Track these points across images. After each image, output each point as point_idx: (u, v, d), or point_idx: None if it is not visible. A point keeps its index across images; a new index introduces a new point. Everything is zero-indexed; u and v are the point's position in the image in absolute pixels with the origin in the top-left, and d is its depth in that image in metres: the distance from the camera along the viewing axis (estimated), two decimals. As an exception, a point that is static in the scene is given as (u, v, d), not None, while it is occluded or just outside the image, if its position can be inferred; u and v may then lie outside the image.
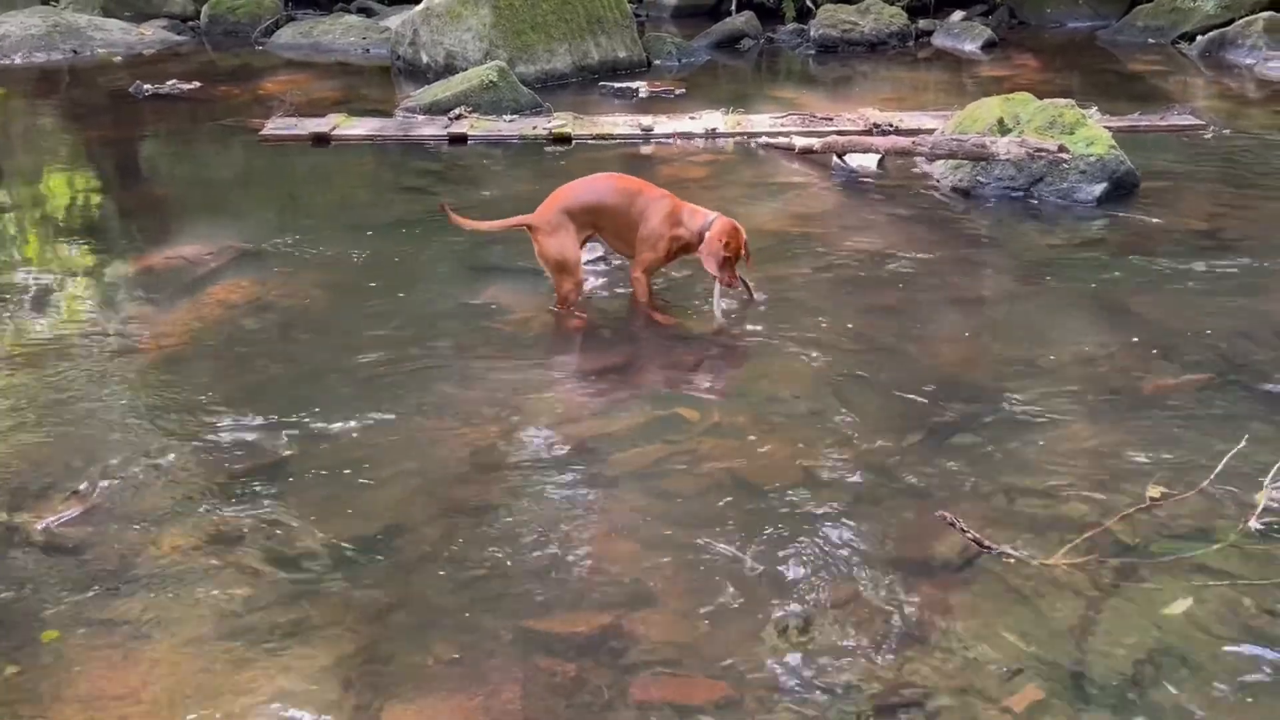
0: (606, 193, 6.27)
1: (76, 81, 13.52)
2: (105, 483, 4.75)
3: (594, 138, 10.21)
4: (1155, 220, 7.80)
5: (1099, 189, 8.16)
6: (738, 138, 10.15)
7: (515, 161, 9.80)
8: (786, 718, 3.51)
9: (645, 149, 9.98)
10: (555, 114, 10.85)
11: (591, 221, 6.23)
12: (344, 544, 4.35)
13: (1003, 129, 8.52)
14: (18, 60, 14.08)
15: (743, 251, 6.13)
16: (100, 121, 11.53)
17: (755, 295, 6.41)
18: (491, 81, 11.09)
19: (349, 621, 3.93)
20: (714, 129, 10.25)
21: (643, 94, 11.98)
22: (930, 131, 9.34)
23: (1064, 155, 7.92)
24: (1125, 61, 13.92)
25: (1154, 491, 4.50)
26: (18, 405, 5.42)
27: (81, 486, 4.72)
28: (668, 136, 10.19)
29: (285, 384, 5.56)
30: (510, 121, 10.65)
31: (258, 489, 4.71)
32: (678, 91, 12.05)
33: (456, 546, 4.33)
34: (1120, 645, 3.76)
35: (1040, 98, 8.92)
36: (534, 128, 10.39)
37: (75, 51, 14.49)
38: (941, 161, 8.72)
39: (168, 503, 4.61)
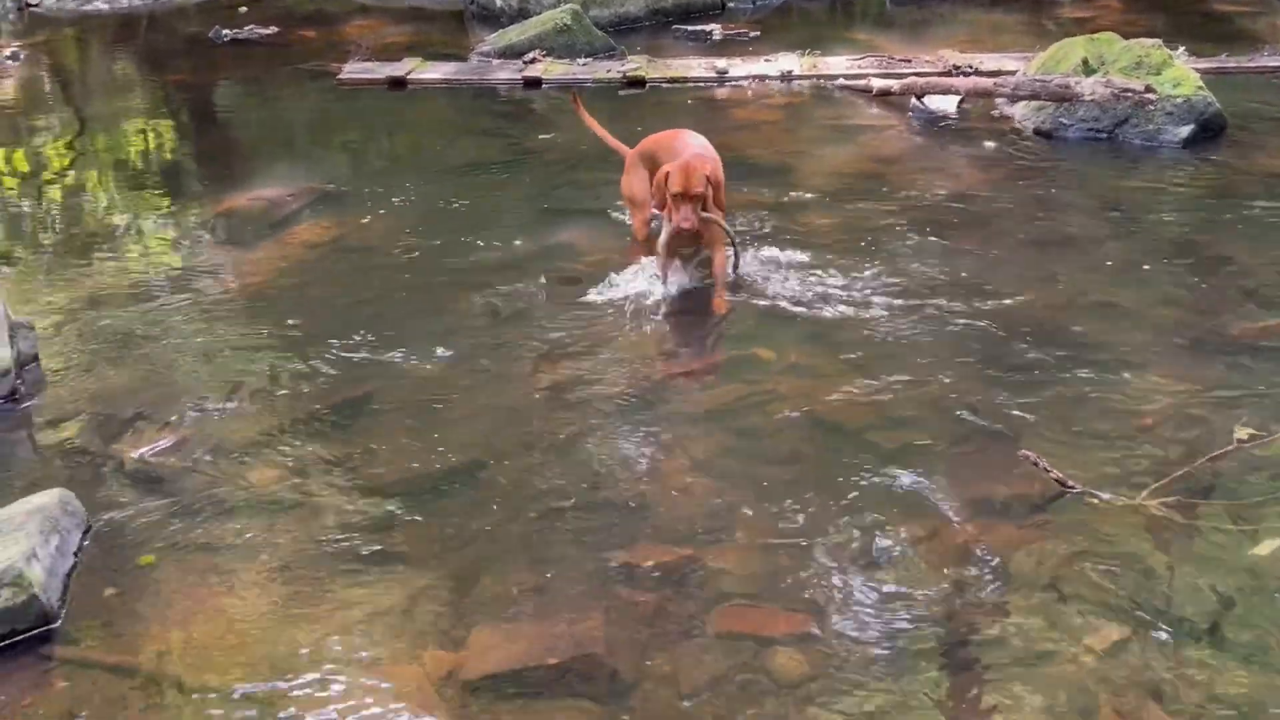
0: (664, 142, 6.22)
1: (156, 27, 13.67)
2: (195, 415, 4.87)
3: (668, 81, 10.13)
4: (1243, 163, 7.61)
5: (1185, 131, 7.97)
6: (814, 80, 10.04)
7: (588, 105, 9.70)
8: (866, 651, 3.53)
9: (720, 92, 9.89)
10: (629, 57, 10.78)
11: (651, 167, 6.21)
12: (427, 475, 4.43)
13: (1087, 69, 8.34)
14: (100, 6, 14.25)
15: (693, 189, 5.58)
16: (180, 66, 11.66)
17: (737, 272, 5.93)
18: (566, 25, 11.04)
19: (434, 550, 4.01)
20: (789, 71, 10.12)
21: (717, 37, 11.86)
22: (1011, 73, 9.17)
23: (1150, 96, 7.75)
24: (1213, 1, 13.52)
25: (1242, 433, 4.44)
26: (111, 342, 5.55)
27: (173, 418, 4.84)
28: (743, 79, 10.09)
29: (367, 321, 5.63)
30: (584, 65, 10.60)
31: (343, 422, 4.80)
32: (753, 34, 11.91)
33: (537, 479, 4.39)
34: (1205, 585, 3.73)
35: (1125, 38, 8.71)
36: (608, 71, 10.34)
37: (155, -3, 14.62)
38: (1023, 103, 8.56)
39: (256, 434, 4.72)
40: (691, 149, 5.94)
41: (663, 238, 5.77)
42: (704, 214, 5.70)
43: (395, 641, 3.62)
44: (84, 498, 4.21)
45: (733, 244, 5.91)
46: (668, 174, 5.65)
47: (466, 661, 3.52)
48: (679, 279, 5.89)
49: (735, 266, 5.95)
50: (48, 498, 4.03)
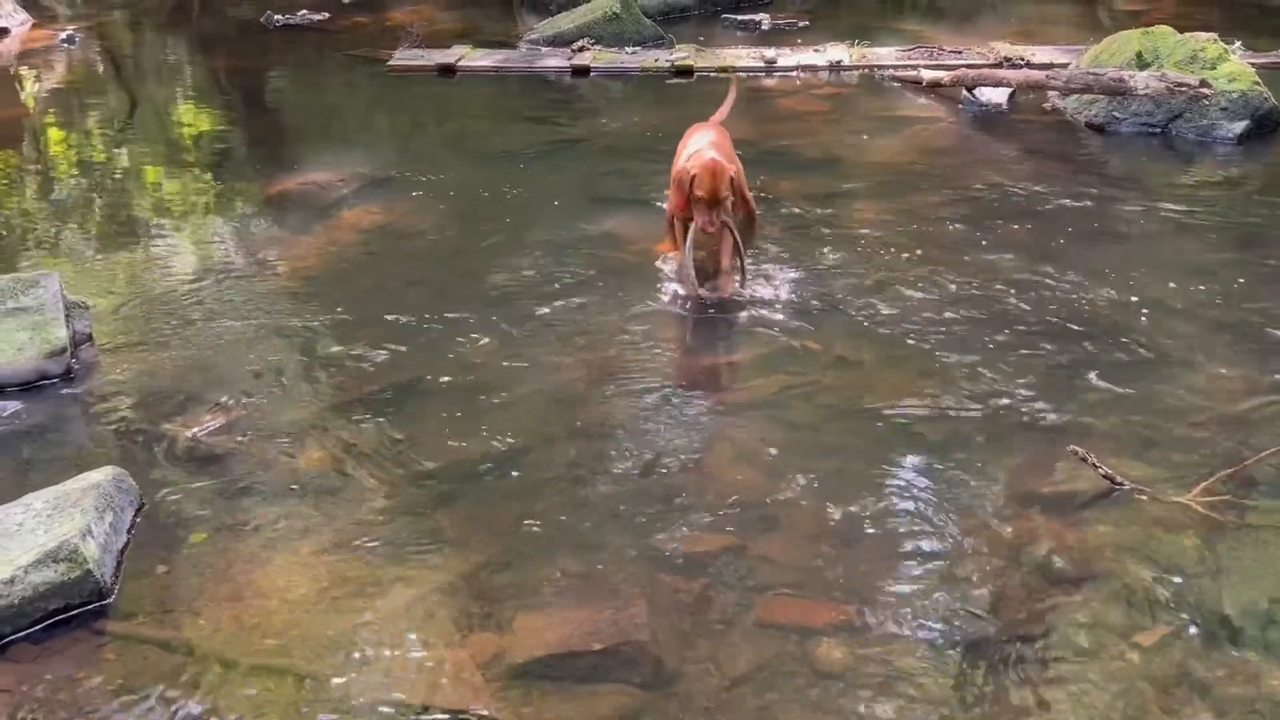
0: (684, 139, 6.19)
1: (208, 11, 13.82)
2: (246, 396, 4.93)
3: (716, 70, 10.12)
4: (1299, 159, 7.53)
5: (1240, 126, 7.88)
6: (863, 71, 10.00)
7: (636, 94, 9.79)
8: (909, 644, 3.52)
9: (768, 82, 9.88)
10: (677, 46, 10.79)
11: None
12: (472, 460, 4.45)
13: (1141, 63, 8.26)
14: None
15: (721, 194, 5.46)
16: (232, 51, 11.77)
17: (745, 285, 5.68)
18: (615, 13, 11.06)
19: (479, 534, 4.04)
20: (838, 62, 10.10)
21: (766, 26, 11.84)
22: (1064, 66, 9.09)
23: (1205, 91, 7.66)
24: (1271, -4, 13.33)
25: (1294, 432, 4.40)
26: (163, 323, 5.62)
27: (224, 399, 4.90)
28: (791, 69, 10.08)
29: (415, 306, 5.67)
30: (632, 54, 10.61)
31: (390, 405, 4.84)
32: (801, 24, 11.88)
33: (582, 466, 4.41)
34: (1255, 585, 3.70)
35: (1180, 32, 8.60)
36: (656, 60, 10.34)
37: (207, -18, 14.79)
38: (1075, 96, 8.49)
39: (306, 416, 4.77)
40: (697, 149, 5.77)
41: (689, 239, 5.62)
42: (723, 218, 5.57)
43: (441, 624, 3.65)
44: (137, 476, 4.28)
45: (740, 254, 5.68)
46: (694, 176, 5.46)
47: (511, 645, 3.54)
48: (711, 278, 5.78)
49: (741, 275, 5.71)
50: (102, 475, 4.09)
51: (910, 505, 4.14)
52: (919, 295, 5.68)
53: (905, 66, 9.84)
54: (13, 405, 4.89)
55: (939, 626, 3.59)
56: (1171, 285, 5.73)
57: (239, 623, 3.67)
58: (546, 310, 5.64)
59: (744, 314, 5.62)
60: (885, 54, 10.32)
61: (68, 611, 3.68)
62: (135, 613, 3.73)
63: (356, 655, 3.53)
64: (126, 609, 3.74)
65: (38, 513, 3.86)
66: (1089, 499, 4.14)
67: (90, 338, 5.36)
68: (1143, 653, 3.44)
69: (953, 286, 5.75)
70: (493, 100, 9.79)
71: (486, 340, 5.35)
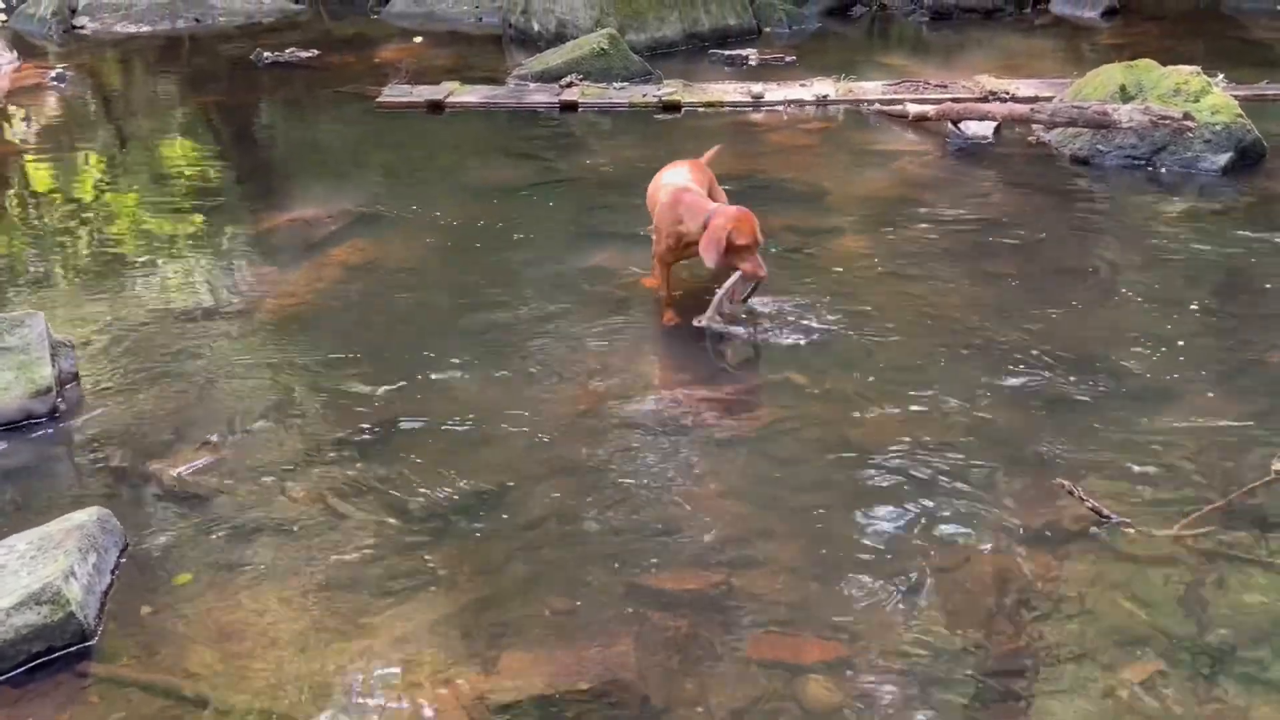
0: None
1: (198, 49, 13.86)
2: (232, 434, 4.91)
3: (704, 105, 10.18)
4: (1283, 191, 7.57)
5: (1224, 158, 7.93)
6: (849, 105, 10.05)
7: (624, 129, 9.83)
8: (898, 680, 3.51)
9: (755, 116, 9.92)
10: (665, 82, 10.84)
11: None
12: (459, 498, 4.44)
13: (1125, 96, 8.31)
14: (144, 28, 14.50)
15: (759, 237, 5.51)
16: (221, 88, 11.80)
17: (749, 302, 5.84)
18: (602, 49, 11.12)
19: (466, 573, 4.03)
20: (825, 96, 10.15)
21: (753, 61, 11.91)
22: (1047, 100, 9.15)
23: (1189, 124, 7.71)
24: (1252, 28, 13.45)
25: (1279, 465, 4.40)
26: (149, 361, 5.61)
27: (210, 438, 4.88)
28: (778, 104, 10.13)
29: (403, 343, 5.67)
30: (620, 89, 10.66)
31: (377, 443, 4.83)
32: (788, 59, 11.95)
33: (568, 503, 4.40)
34: (1244, 618, 3.70)
35: (1164, 66, 8.67)
36: (644, 95, 10.39)
37: (198, 20, 14.86)
38: (1059, 130, 8.54)
39: (292, 454, 4.76)
40: (669, 187, 5.87)
41: (732, 284, 5.64)
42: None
43: (427, 663, 3.63)
44: (122, 516, 4.26)
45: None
46: (733, 229, 5.42)
47: (497, 684, 3.52)
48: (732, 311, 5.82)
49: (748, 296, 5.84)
50: (86, 515, 4.07)
51: (897, 540, 4.13)
52: (905, 329, 5.69)
53: (891, 101, 9.89)
54: (-3, 445, 4.87)
55: (927, 662, 3.58)
56: (1156, 318, 5.75)
57: (224, 664, 3.65)
58: (534, 345, 5.64)
59: (729, 348, 5.63)
60: (871, 88, 10.38)
61: (50, 654, 3.66)
62: (119, 655, 3.71)
63: (342, 696, 3.51)
64: (110, 651, 3.72)
65: (20, 554, 3.83)
66: (1077, 532, 4.13)
67: (76, 377, 5.35)
68: (1131, 688, 3.43)
69: (938, 320, 5.77)
70: (481, 136, 9.81)
71: (474, 376, 5.34)
